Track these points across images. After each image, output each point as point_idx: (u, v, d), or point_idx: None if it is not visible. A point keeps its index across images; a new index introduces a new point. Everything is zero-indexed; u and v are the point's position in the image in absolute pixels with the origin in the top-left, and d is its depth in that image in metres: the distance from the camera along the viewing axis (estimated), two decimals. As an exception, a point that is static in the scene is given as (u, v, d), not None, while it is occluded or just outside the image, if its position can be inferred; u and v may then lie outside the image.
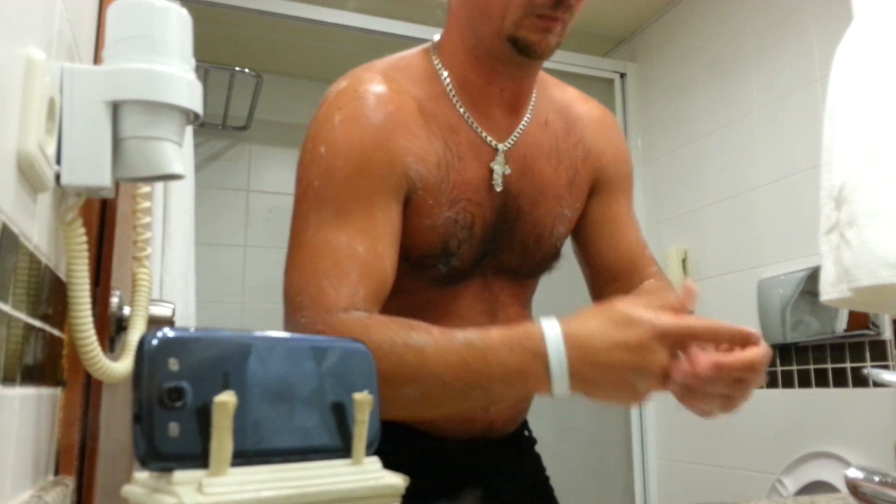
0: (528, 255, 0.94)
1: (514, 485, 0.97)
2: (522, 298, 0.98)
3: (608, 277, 0.99)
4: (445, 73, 0.89)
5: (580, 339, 0.66)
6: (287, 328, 0.74)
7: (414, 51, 0.93)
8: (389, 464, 0.43)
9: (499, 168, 0.89)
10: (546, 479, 1.07)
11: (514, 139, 0.91)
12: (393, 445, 0.74)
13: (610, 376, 0.66)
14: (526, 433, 1.05)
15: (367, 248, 0.76)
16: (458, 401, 0.70)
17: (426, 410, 0.74)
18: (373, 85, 0.83)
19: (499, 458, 0.96)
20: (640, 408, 2.62)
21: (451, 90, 0.88)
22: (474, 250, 0.88)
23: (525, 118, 0.93)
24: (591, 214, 0.99)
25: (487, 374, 0.67)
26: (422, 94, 0.87)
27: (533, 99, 0.94)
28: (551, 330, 0.67)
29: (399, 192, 0.81)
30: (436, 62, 0.90)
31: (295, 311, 0.74)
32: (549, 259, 0.97)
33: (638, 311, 0.67)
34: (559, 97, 0.99)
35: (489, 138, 0.89)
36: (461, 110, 0.88)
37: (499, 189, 0.88)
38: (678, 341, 0.66)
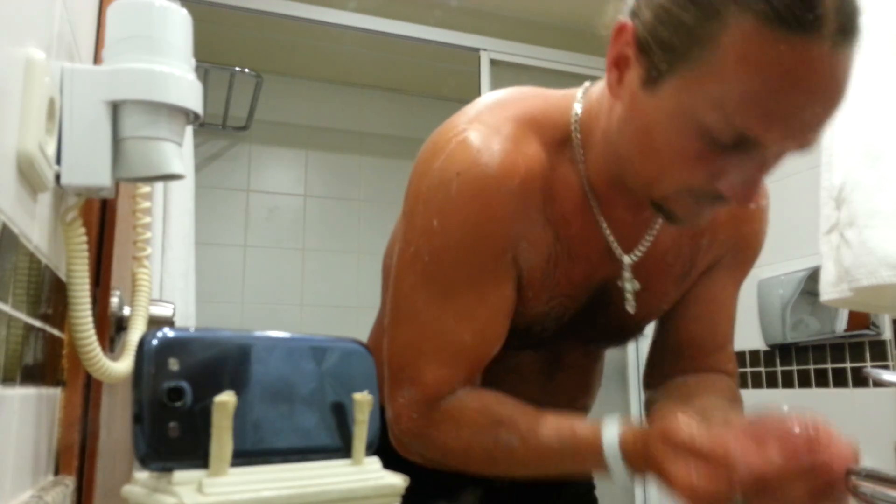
0: (607, 334, 0.88)
1: (559, 495, 0.95)
2: (587, 362, 0.92)
3: (681, 353, 0.88)
4: (582, 153, 0.76)
5: (638, 454, 0.67)
6: (387, 397, 0.75)
7: (562, 101, 0.79)
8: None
9: (629, 286, 0.79)
10: (592, 489, 1.04)
11: (643, 251, 0.79)
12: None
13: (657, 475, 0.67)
14: None
15: (474, 334, 0.74)
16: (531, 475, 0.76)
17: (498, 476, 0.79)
18: (501, 145, 0.72)
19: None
20: (640, 406, 2.61)
21: (584, 175, 0.76)
22: (554, 333, 0.83)
23: (657, 224, 0.80)
24: (693, 286, 0.88)
25: (566, 465, 0.72)
26: (552, 167, 0.75)
27: None
28: (610, 445, 0.68)
29: (511, 272, 0.75)
30: (574, 129, 0.76)
31: (396, 386, 0.74)
32: (628, 338, 0.90)
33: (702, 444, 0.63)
34: None
35: (616, 245, 0.78)
36: (592, 206, 0.77)
37: (631, 311, 0.80)
38: (721, 482, 0.61)
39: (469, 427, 0.72)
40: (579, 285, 0.79)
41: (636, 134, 0.68)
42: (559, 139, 0.76)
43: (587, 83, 0.81)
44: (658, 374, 0.91)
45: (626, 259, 0.79)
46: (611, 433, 0.67)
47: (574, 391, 0.92)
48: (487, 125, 0.73)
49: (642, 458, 0.67)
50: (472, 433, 0.72)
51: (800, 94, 0.58)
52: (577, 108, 0.77)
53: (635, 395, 2.63)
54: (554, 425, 0.70)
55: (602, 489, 1.04)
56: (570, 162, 0.76)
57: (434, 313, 0.74)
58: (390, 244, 0.89)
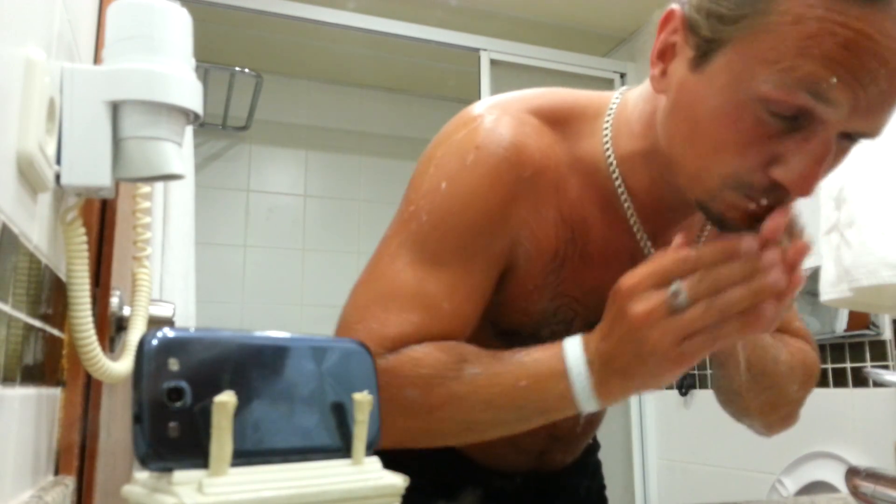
0: None
1: (566, 497, 0.93)
2: None
3: None
4: (613, 158, 0.73)
5: (596, 347, 0.63)
6: None
7: (594, 101, 0.77)
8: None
9: None
10: (602, 489, 1.02)
11: None
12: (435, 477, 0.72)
13: (626, 364, 0.60)
14: (589, 440, 0.99)
15: (452, 306, 0.69)
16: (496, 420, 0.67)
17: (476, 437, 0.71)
18: (524, 136, 0.71)
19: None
20: (640, 407, 2.61)
21: (617, 179, 0.73)
22: (564, 337, 0.79)
23: (703, 236, 0.77)
24: None
25: (530, 383, 0.64)
26: (573, 164, 0.73)
27: None
28: (572, 342, 0.65)
29: (501, 261, 0.73)
30: (606, 131, 0.74)
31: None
32: None
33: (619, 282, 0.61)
34: None
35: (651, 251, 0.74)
36: (627, 213, 0.73)
37: None
38: (652, 284, 0.59)
39: (431, 366, 0.65)
40: (590, 290, 0.75)
41: (682, 122, 0.64)
42: (589, 134, 0.74)
43: (623, 87, 0.79)
44: None
45: None
46: (574, 338, 0.65)
47: None
48: (513, 115, 0.73)
49: (604, 341, 0.62)
50: (433, 371, 0.65)
51: (867, 57, 0.53)
52: (612, 108, 0.75)
53: (635, 398, 2.63)
54: (520, 351, 0.67)
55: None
56: (598, 157, 0.74)
57: (415, 275, 0.69)
58: None
